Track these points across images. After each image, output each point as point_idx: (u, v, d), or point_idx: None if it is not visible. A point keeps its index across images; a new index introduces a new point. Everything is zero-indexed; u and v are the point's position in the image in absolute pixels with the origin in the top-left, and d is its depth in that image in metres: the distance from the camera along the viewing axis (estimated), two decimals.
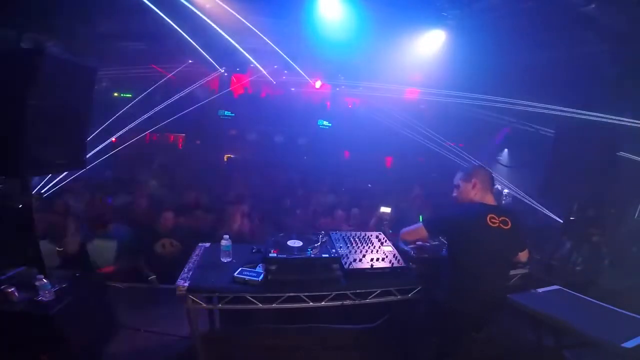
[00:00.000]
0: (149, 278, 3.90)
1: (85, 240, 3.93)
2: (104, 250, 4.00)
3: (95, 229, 4.06)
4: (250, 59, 6.35)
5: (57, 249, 3.65)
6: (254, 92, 8.75)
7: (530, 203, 5.32)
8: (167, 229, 4.26)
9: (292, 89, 8.29)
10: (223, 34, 5.25)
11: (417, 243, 2.83)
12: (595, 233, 3.71)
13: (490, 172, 2.38)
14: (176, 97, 6.89)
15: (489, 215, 2.16)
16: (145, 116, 6.23)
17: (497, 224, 2.15)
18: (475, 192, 2.31)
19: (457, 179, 2.41)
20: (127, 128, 5.86)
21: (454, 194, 2.43)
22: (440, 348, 2.39)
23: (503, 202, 7.21)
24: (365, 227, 4.91)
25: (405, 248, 2.78)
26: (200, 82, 7.40)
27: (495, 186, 2.41)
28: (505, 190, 6.58)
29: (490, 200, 2.30)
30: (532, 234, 4.71)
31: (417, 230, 2.43)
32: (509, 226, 2.17)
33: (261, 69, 6.83)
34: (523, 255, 2.40)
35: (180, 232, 4.35)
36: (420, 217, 5.08)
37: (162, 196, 5.50)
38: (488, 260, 2.16)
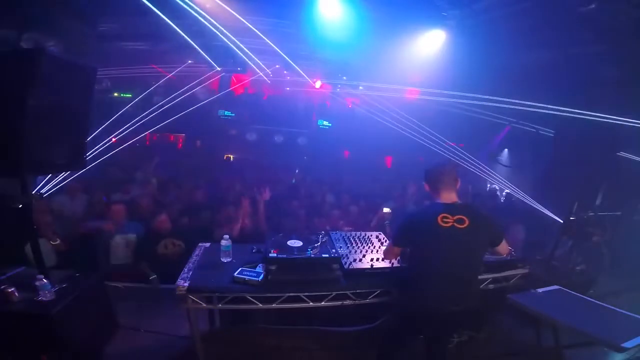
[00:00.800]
0: (150, 278, 3.90)
1: (107, 238, 4.02)
2: (124, 245, 4.08)
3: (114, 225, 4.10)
4: (248, 58, 6.34)
5: (52, 242, 3.68)
6: (254, 92, 8.75)
7: (530, 203, 5.32)
8: (166, 231, 4.26)
9: (287, 89, 8.27)
10: (223, 34, 5.25)
11: None
12: (595, 233, 3.71)
13: (445, 169, 2.31)
14: (176, 97, 6.88)
15: (441, 215, 2.13)
16: (145, 116, 6.23)
17: (451, 223, 2.11)
18: (430, 192, 2.33)
19: None
20: (127, 128, 5.86)
21: None
22: (426, 349, 2.39)
23: (502, 199, 7.20)
24: (365, 226, 4.91)
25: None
26: (200, 82, 7.39)
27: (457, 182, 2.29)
28: (506, 191, 6.58)
29: (448, 198, 2.23)
30: (532, 234, 4.73)
31: (390, 250, 2.41)
32: (465, 224, 2.11)
33: (258, 70, 6.81)
34: (501, 249, 2.32)
35: (184, 231, 4.34)
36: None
37: (164, 196, 5.50)
38: (444, 260, 2.13)
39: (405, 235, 2.27)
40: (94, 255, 3.92)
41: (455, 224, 2.11)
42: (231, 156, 9.88)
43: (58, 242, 3.72)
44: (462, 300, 2.18)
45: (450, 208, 2.18)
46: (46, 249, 3.52)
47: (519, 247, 3.64)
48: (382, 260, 2.60)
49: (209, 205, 5.03)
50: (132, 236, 4.15)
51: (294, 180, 7.44)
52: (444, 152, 7.11)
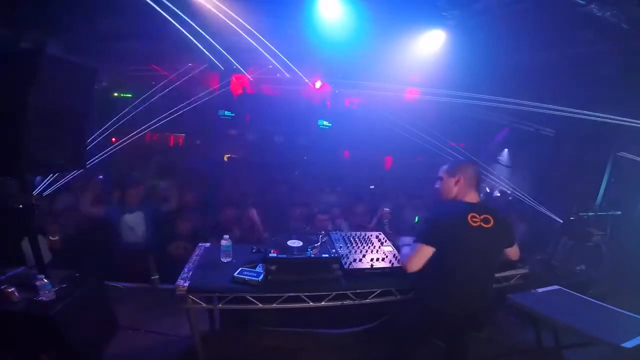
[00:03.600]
0: (152, 278, 3.90)
1: (116, 216, 4.08)
2: (134, 224, 4.12)
3: (126, 202, 4.16)
4: (247, 58, 6.34)
5: (51, 238, 3.70)
6: (253, 92, 8.75)
7: (530, 203, 5.33)
8: (186, 233, 4.27)
9: (287, 89, 8.26)
10: (223, 33, 5.25)
11: None
12: (595, 233, 3.72)
13: (477, 168, 2.29)
14: (176, 97, 6.88)
15: (470, 214, 2.11)
16: (145, 116, 6.23)
17: (478, 223, 2.10)
18: (457, 189, 2.24)
19: (442, 171, 2.33)
20: (127, 128, 5.86)
21: (436, 186, 2.37)
22: (447, 348, 2.40)
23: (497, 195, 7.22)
24: (366, 226, 4.92)
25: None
26: (200, 81, 7.40)
27: (482, 184, 2.32)
28: (498, 192, 6.58)
29: (473, 197, 2.22)
30: (532, 234, 4.73)
31: (420, 252, 2.16)
32: (490, 224, 2.11)
33: (257, 70, 6.82)
34: (511, 252, 2.33)
35: (193, 235, 4.33)
36: (416, 218, 5.13)
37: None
38: (470, 260, 2.12)
39: (439, 233, 2.15)
40: (92, 253, 3.93)
41: (482, 224, 2.10)
42: (231, 156, 9.87)
43: (57, 238, 3.73)
44: (483, 299, 2.21)
45: (477, 207, 2.17)
46: (41, 246, 3.53)
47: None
48: (406, 267, 2.31)
49: (205, 208, 5.02)
50: (139, 215, 4.17)
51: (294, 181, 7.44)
52: (444, 152, 7.11)
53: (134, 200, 4.15)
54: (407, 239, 2.66)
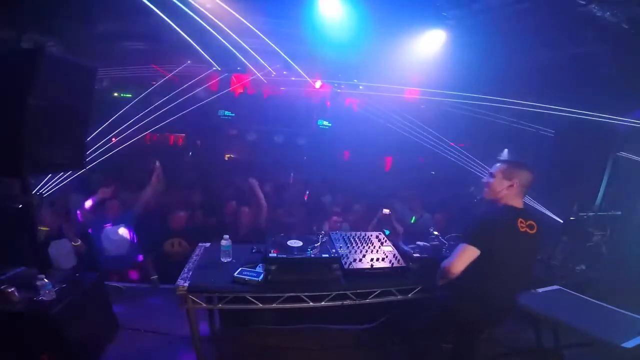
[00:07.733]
0: (151, 278, 3.90)
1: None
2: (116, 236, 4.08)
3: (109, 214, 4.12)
4: (248, 58, 6.33)
5: (73, 244, 3.68)
6: (254, 92, 8.75)
7: (530, 203, 5.33)
8: (180, 229, 4.25)
9: (286, 89, 8.26)
10: (223, 33, 5.25)
11: (418, 243, 2.84)
12: (595, 233, 3.72)
13: (534, 175, 2.20)
14: (176, 97, 6.87)
15: (519, 219, 2.10)
16: (145, 116, 6.22)
17: (525, 228, 2.09)
18: (507, 192, 2.15)
19: (497, 169, 2.21)
20: (127, 128, 5.86)
21: (484, 180, 2.29)
22: (455, 350, 2.39)
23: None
24: (365, 226, 4.91)
25: (405, 248, 2.79)
26: (200, 82, 7.39)
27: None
28: None
29: (519, 203, 2.18)
30: None
31: (463, 253, 2.03)
32: (534, 230, 2.11)
33: (257, 71, 6.81)
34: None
35: (190, 232, 4.34)
36: (413, 218, 5.13)
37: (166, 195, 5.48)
38: (513, 265, 2.10)
39: (488, 235, 2.06)
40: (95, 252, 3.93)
41: (528, 230, 2.10)
42: (231, 156, 9.88)
43: (79, 243, 3.71)
44: (514, 302, 2.23)
45: (523, 213, 2.16)
46: (67, 250, 3.53)
47: None
48: (449, 268, 2.08)
49: (208, 206, 5.02)
50: (123, 228, 4.14)
51: (290, 181, 7.44)
52: (444, 153, 7.11)
53: (113, 212, 4.12)
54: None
